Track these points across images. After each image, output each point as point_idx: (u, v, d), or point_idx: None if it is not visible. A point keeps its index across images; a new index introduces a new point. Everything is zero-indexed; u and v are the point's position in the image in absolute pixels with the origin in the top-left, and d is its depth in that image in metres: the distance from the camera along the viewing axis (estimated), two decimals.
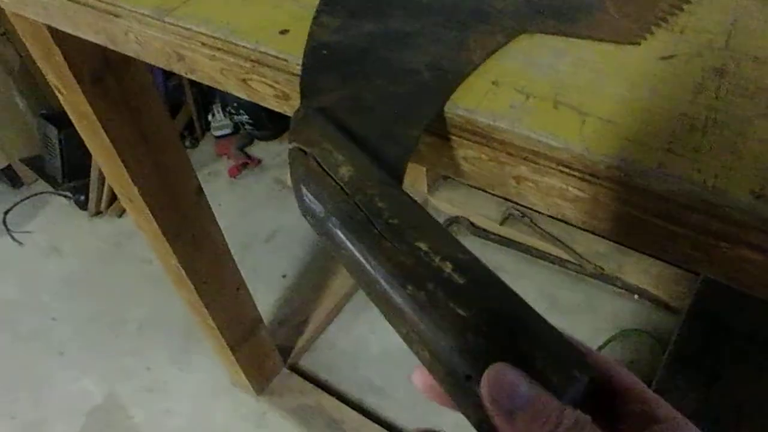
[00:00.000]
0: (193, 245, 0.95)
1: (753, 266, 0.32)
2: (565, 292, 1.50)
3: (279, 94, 0.46)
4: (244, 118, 1.91)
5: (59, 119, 1.84)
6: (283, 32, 0.45)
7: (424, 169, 1.68)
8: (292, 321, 1.47)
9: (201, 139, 2.07)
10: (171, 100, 1.98)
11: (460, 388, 0.24)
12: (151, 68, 0.71)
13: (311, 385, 1.35)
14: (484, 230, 1.66)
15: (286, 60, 0.43)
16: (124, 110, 0.78)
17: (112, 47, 0.58)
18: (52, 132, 1.86)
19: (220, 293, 1.07)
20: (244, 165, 1.91)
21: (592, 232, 1.41)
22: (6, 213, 1.92)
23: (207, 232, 0.97)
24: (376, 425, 1.27)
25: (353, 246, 0.27)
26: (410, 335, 0.25)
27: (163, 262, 0.98)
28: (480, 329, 0.24)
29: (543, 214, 1.55)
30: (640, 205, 0.34)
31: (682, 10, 0.42)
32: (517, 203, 1.59)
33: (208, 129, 2.06)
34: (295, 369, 1.41)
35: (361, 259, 0.27)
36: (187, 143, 2.03)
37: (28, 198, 1.97)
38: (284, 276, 1.60)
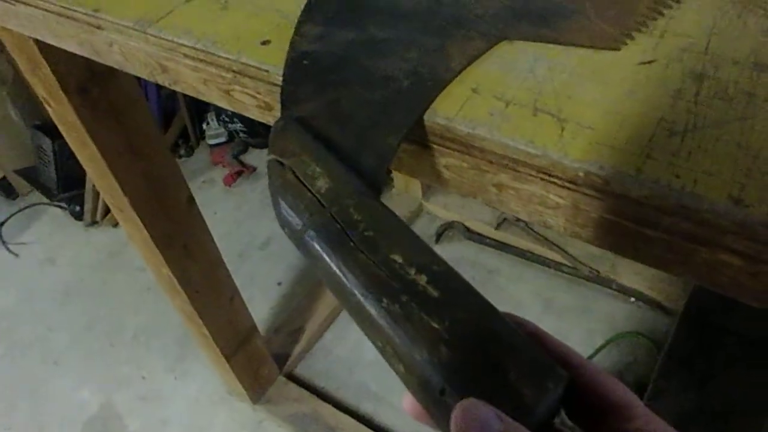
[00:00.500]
0: (185, 254, 0.94)
1: (731, 270, 0.32)
2: (561, 295, 1.50)
3: (261, 105, 0.46)
4: (239, 126, 1.91)
5: (53, 130, 1.83)
6: (265, 43, 0.45)
7: None
8: (288, 328, 1.47)
9: (196, 148, 2.07)
10: (165, 109, 1.98)
11: (434, 402, 0.24)
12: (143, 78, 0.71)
13: (307, 392, 1.35)
14: (480, 234, 1.66)
15: (267, 71, 0.43)
16: (112, 121, 0.77)
17: (96, 59, 0.58)
18: (46, 143, 1.86)
19: (214, 302, 1.06)
20: (239, 173, 1.91)
21: None
22: (1, 224, 1.92)
23: (199, 241, 0.97)
24: None
25: (329, 259, 0.27)
26: (386, 349, 0.25)
27: (156, 272, 0.98)
28: (453, 342, 0.24)
29: None
30: (620, 210, 0.34)
31: (662, 14, 0.42)
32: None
33: (203, 138, 2.05)
34: (291, 377, 1.40)
35: (337, 271, 0.27)
36: (182, 152, 2.03)
37: (23, 209, 1.97)
38: (280, 283, 1.60)
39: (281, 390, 1.36)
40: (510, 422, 0.22)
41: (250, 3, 0.50)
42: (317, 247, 0.28)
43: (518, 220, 1.63)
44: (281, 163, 0.32)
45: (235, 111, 0.49)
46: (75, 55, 0.60)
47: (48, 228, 1.91)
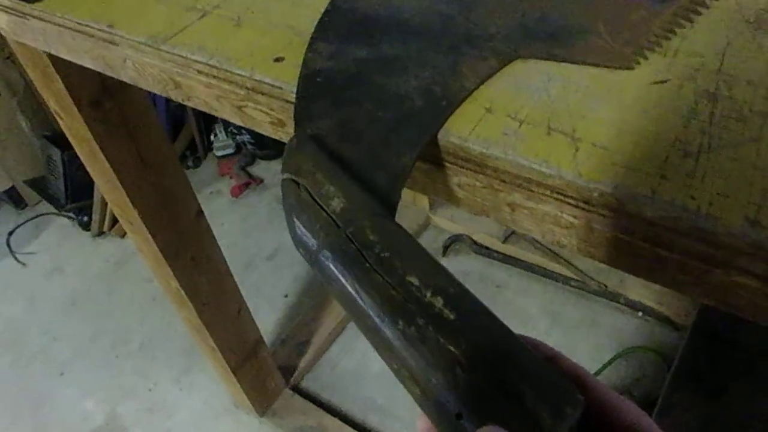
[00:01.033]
0: (193, 267, 0.94)
1: (747, 291, 0.32)
2: (568, 309, 1.50)
3: (274, 121, 0.46)
4: (246, 137, 1.92)
5: (62, 141, 1.85)
6: (278, 59, 0.45)
7: None
8: (294, 341, 1.47)
9: (203, 159, 2.08)
10: (173, 120, 1.99)
11: (450, 426, 0.23)
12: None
13: (313, 405, 1.34)
14: (487, 248, 1.65)
15: (280, 88, 0.43)
16: (123, 134, 0.78)
17: (109, 74, 0.59)
18: (56, 153, 1.87)
19: (222, 315, 1.06)
20: (247, 185, 1.91)
21: None
22: (10, 234, 1.93)
23: (207, 254, 0.97)
24: None
25: (344, 279, 0.27)
26: (402, 371, 0.25)
27: (163, 284, 0.98)
28: (470, 366, 0.23)
29: None
30: (634, 231, 0.34)
31: (675, 33, 0.42)
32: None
33: (211, 149, 2.06)
34: (298, 389, 1.40)
35: (353, 292, 0.27)
36: (190, 163, 2.04)
37: (31, 219, 1.98)
38: (286, 295, 1.60)
39: (287, 403, 1.36)
40: None
41: (263, 20, 0.50)
42: (332, 267, 0.28)
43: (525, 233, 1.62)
44: (296, 182, 0.32)
45: (247, 127, 0.49)
46: (88, 68, 0.61)
47: (56, 238, 1.92)
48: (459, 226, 1.72)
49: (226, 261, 1.04)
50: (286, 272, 1.65)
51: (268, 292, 1.60)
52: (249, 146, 1.95)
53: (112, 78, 0.59)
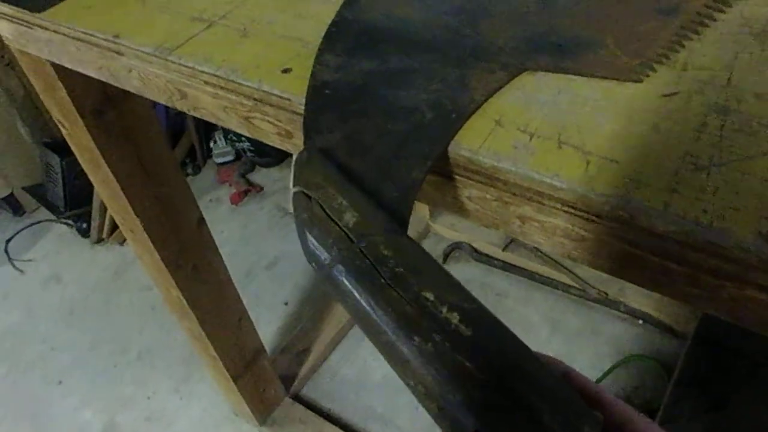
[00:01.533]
0: (195, 276, 0.94)
1: (758, 305, 0.32)
2: (569, 317, 1.49)
3: (281, 132, 0.46)
4: (246, 145, 1.92)
5: (62, 147, 1.85)
6: (285, 71, 0.45)
7: None
8: (294, 349, 1.46)
9: (203, 166, 2.07)
10: (173, 127, 1.99)
11: None
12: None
13: (314, 414, 1.33)
14: (487, 256, 1.65)
15: (288, 99, 0.43)
16: (126, 143, 0.78)
17: (113, 83, 0.59)
18: (55, 160, 1.87)
19: (222, 324, 1.06)
20: (246, 192, 1.91)
21: None
22: (8, 241, 1.92)
23: (209, 263, 0.97)
24: None
25: (359, 295, 0.27)
26: (418, 388, 0.25)
27: (164, 293, 0.98)
28: (487, 383, 0.23)
29: None
30: (645, 245, 0.34)
31: (683, 46, 0.42)
32: None
33: (210, 156, 2.06)
34: (298, 398, 1.39)
35: (367, 308, 0.27)
36: (189, 170, 2.03)
37: (29, 226, 1.97)
38: (286, 303, 1.59)
39: (287, 411, 1.35)
40: None
41: (269, 31, 0.50)
42: (346, 282, 0.28)
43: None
44: (307, 196, 0.32)
45: (254, 138, 0.49)
46: (91, 77, 0.61)
47: (54, 245, 1.91)
48: (459, 234, 1.72)
49: (227, 269, 1.03)
50: (286, 280, 1.65)
51: (268, 301, 1.59)
52: (249, 153, 1.95)
53: (114, 87, 0.59)
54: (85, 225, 1.89)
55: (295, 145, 0.46)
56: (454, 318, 0.25)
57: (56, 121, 0.78)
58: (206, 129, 2.02)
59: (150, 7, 0.56)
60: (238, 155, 2.01)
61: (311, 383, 1.42)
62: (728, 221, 0.31)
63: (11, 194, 2.00)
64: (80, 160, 0.81)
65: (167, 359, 1.52)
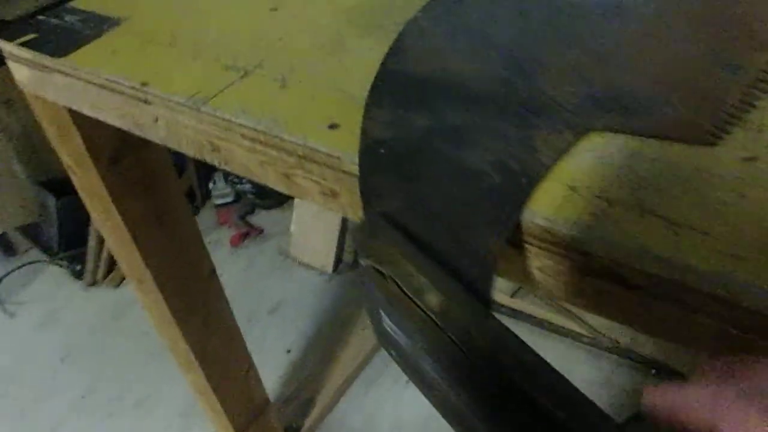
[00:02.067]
0: (204, 328, 0.90)
1: None
2: (580, 367, 1.45)
3: (326, 191, 0.43)
4: (247, 186, 1.89)
5: (57, 187, 1.81)
6: (333, 126, 0.42)
7: None
8: (299, 399, 1.40)
9: (201, 207, 2.04)
10: None
11: None
12: None
13: None
14: (495, 303, 1.61)
15: (338, 158, 0.40)
16: (140, 190, 0.75)
17: (136, 133, 0.56)
18: (50, 200, 1.83)
19: (229, 375, 1.01)
20: (246, 234, 1.87)
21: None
22: None
23: (219, 314, 0.92)
24: None
25: (456, 395, 0.24)
26: None
27: (172, 345, 0.93)
28: None
29: None
30: (742, 323, 0.31)
31: (754, 106, 0.40)
32: None
33: (209, 197, 2.03)
34: None
35: (466, 410, 0.23)
36: None
37: (21, 267, 1.91)
38: (289, 351, 1.54)
39: None
40: None
41: (309, 81, 0.48)
42: (438, 378, 0.24)
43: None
44: (380, 272, 0.29)
45: (293, 195, 0.46)
46: (110, 125, 0.58)
47: (47, 287, 1.85)
48: None
49: (235, 319, 0.99)
50: (288, 326, 1.60)
51: (270, 348, 1.54)
52: (249, 195, 1.92)
53: (134, 134, 0.57)
54: (79, 267, 1.83)
55: (340, 205, 0.43)
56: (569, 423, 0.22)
57: (67, 167, 0.74)
58: (206, 169, 2.00)
59: (180, 53, 0.53)
60: (238, 196, 1.97)
61: None
62: None
63: (3, 234, 1.95)
64: (89, 208, 0.78)
65: (165, 408, 1.46)
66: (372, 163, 0.38)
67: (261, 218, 1.96)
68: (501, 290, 1.61)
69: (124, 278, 1.80)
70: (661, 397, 0.24)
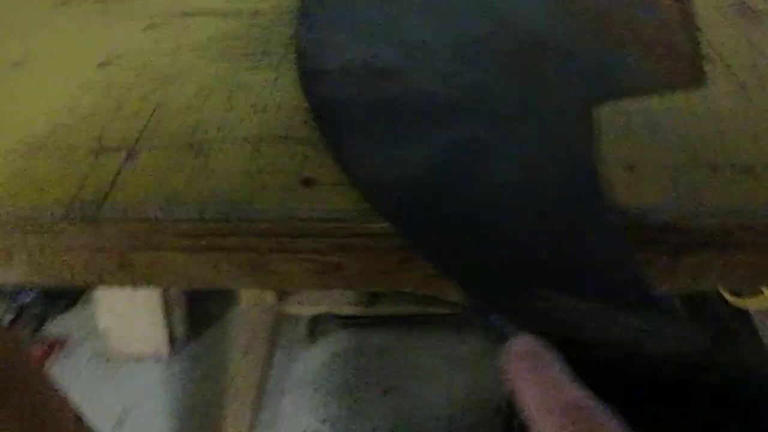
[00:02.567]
0: None
1: None
2: (460, 346, 1.48)
3: (323, 269, 0.33)
4: (30, 298, 1.55)
5: None
6: (307, 182, 0.32)
7: None
8: None
9: None
10: None
11: None
12: None
13: None
14: (354, 317, 1.56)
15: (338, 219, 0.30)
16: None
17: None
18: None
19: None
20: (50, 350, 1.54)
21: None
22: None
23: None
24: None
25: None
26: None
27: None
28: None
29: None
30: None
31: (700, 42, 0.40)
32: None
33: None
34: None
35: None
36: None
37: None
38: None
39: None
40: None
41: (229, 138, 0.36)
42: None
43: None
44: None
45: (264, 289, 0.35)
46: None
47: None
48: (314, 307, 1.60)
49: None
50: None
51: None
52: (33, 305, 1.58)
53: None
54: None
55: (344, 279, 0.33)
56: None
57: None
58: None
59: (25, 148, 0.37)
60: (19, 311, 1.61)
61: None
62: None
63: None
64: None
65: None
66: (409, 218, 0.29)
67: (59, 325, 1.62)
68: (354, 303, 1.57)
69: None
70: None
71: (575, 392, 0.20)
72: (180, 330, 1.52)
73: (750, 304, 0.95)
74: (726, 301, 0.99)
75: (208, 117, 0.37)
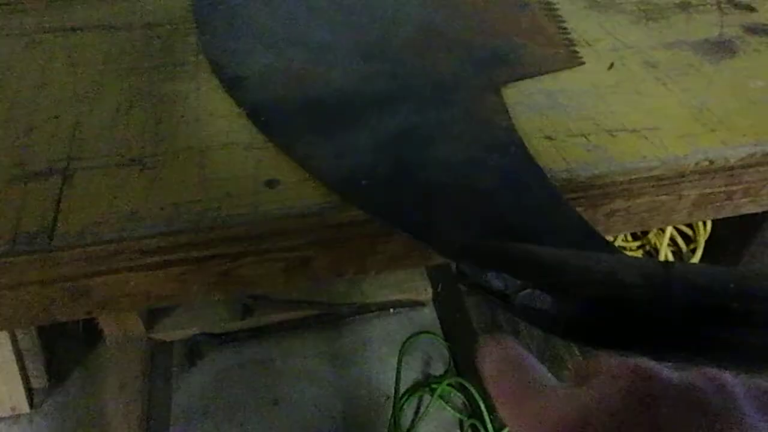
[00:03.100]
0: None
1: None
2: (341, 342, 1.51)
3: (292, 266, 0.34)
4: None
5: None
6: (271, 183, 0.33)
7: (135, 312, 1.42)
8: None
9: None
10: None
11: None
12: None
13: None
14: (229, 333, 1.52)
15: (317, 214, 0.32)
16: None
17: None
18: None
19: None
20: None
21: None
22: None
23: None
24: None
25: None
26: None
27: None
28: None
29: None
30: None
31: (566, 31, 0.47)
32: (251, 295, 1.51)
33: None
34: None
35: None
36: None
37: None
38: None
39: None
40: None
41: (171, 147, 0.36)
42: None
43: (255, 299, 1.55)
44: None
45: (223, 297, 0.35)
46: None
47: None
48: (186, 330, 1.53)
49: None
50: None
51: None
52: None
53: None
54: None
55: (312, 272, 0.35)
56: None
57: None
58: None
59: None
60: None
61: None
62: None
63: None
64: None
65: None
66: (381, 201, 0.31)
67: None
68: (229, 319, 1.52)
69: None
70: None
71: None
72: (39, 381, 1.36)
73: None
74: None
75: (137, 132, 0.36)
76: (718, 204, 0.39)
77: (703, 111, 0.39)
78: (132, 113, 0.38)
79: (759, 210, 0.42)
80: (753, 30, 0.48)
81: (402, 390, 1.36)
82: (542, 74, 0.42)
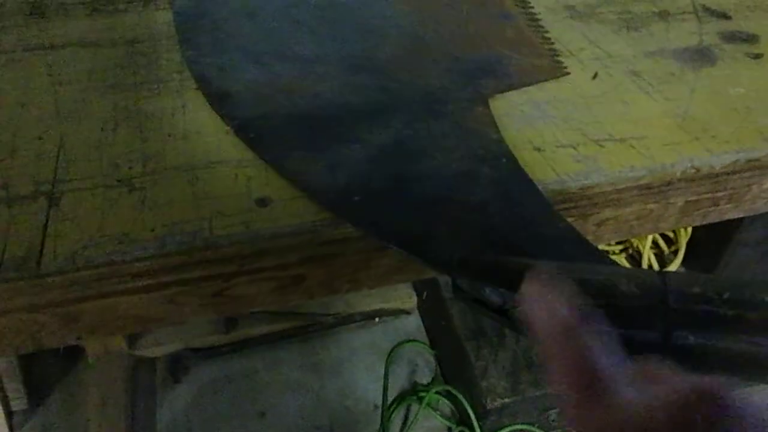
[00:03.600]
0: None
1: None
2: (324, 351, 1.50)
3: (285, 284, 0.34)
4: None
5: None
6: (262, 202, 0.33)
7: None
8: None
9: None
10: None
11: None
12: None
13: None
14: (214, 347, 1.50)
15: (312, 231, 0.32)
16: None
17: None
18: None
19: None
20: None
21: None
22: None
23: None
24: None
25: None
26: None
27: None
28: None
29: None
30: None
31: (551, 41, 0.48)
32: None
33: None
34: None
35: None
36: None
37: None
38: None
39: None
40: None
41: (160, 168, 0.35)
42: None
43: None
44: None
45: (216, 316, 0.35)
46: None
47: None
48: (169, 345, 1.51)
49: None
50: None
51: None
52: None
53: None
54: None
55: (305, 290, 0.34)
56: None
57: None
58: None
59: None
60: None
61: None
62: None
63: None
64: None
65: None
66: (374, 216, 0.31)
67: None
68: (212, 333, 1.51)
69: None
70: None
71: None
72: (18, 403, 1.33)
73: None
74: None
75: (124, 151, 0.36)
76: (704, 210, 0.40)
77: (687, 119, 0.40)
78: (118, 132, 0.37)
79: (742, 215, 0.42)
80: (729, 38, 0.49)
81: (390, 399, 1.35)
82: (529, 85, 0.42)
